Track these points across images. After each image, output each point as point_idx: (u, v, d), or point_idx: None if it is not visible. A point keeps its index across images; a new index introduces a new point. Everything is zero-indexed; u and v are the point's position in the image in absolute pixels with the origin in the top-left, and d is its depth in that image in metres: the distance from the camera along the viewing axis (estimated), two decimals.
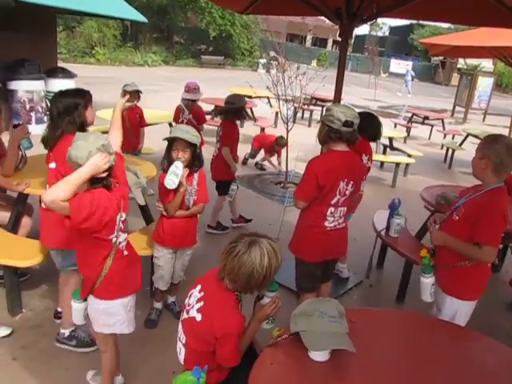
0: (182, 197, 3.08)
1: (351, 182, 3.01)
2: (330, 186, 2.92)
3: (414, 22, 35.37)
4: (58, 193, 1.97)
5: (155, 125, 7.26)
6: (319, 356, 1.86)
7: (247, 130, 10.69)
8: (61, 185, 2.01)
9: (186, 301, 2.21)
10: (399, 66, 36.21)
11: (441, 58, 33.47)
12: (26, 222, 3.72)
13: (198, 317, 2.06)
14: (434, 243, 2.77)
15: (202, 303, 2.08)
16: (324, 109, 13.71)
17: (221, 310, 2.03)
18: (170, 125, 7.52)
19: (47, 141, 2.81)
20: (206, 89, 7.00)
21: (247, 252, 1.97)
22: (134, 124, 5.57)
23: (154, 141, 6.45)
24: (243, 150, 8.28)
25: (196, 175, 3.18)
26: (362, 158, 3.77)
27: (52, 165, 2.78)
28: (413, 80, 26.53)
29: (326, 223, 3.04)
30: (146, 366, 3.04)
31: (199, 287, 2.17)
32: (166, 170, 3.05)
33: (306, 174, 2.98)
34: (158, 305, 3.51)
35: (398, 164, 8.01)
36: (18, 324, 3.28)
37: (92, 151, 2.06)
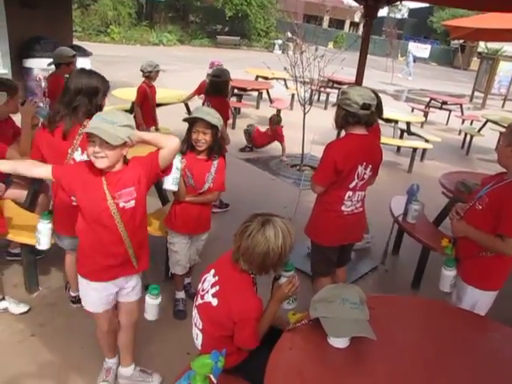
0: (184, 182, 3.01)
1: (370, 166, 2.97)
2: (348, 170, 2.88)
3: (425, 3, 34.43)
4: None
5: (170, 105, 7.23)
6: (339, 342, 1.84)
7: (263, 111, 10.63)
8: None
9: (200, 286, 2.20)
10: (418, 49, 35.48)
11: (460, 41, 32.71)
12: (42, 200, 3.74)
13: (214, 302, 2.05)
14: (455, 234, 2.70)
15: (218, 288, 2.06)
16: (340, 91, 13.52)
17: (238, 294, 2.02)
18: (187, 106, 7.50)
19: (55, 118, 2.65)
20: (209, 69, 6.92)
21: (261, 231, 1.96)
22: (154, 102, 5.68)
23: (169, 120, 6.44)
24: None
25: (215, 162, 3.08)
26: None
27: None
28: (415, 62, 25.73)
29: (343, 207, 3.00)
30: (160, 347, 3.05)
31: (213, 272, 2.15)
32: (184, 153, 3.02)
33: (324, 158, 2.93)
34: (181, 294, 3.47)
35: (415, 149, 7.88)
36: (35, 302, 3.32)
37: None
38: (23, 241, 3.22)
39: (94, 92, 2.65)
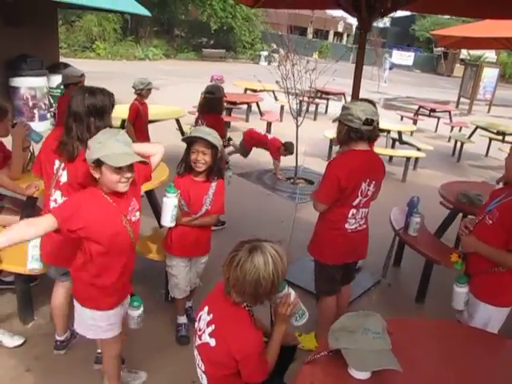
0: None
1: (373, 182, 2.91)
2: (352, 187, 2.81)
3: (415, 12, 34.90)
4: None
5: (161, 121, 7.15)
6: (361, 374, 1.75)
7: (253, 124, 10.57)
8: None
9: (196, 325, 2.08)
10: (401, 56, 35.89)
11: (443, 48, 33.17)
12: None
13: (212, 342, 1.93)
14: (465, 250, 2.64)
15: (214, 326, 1.95)
16: (328, 102, 13.58)
17: (235, 331, 1.90)
18: (178, 121, 7.42)
19: (69, 148, 2.48)
20: (209, 83, 6.87)
21: (249, 259, 1.83)
22: (147, 120, 5.61)
23: (161, 137, 6.34)
24: None
25: (214, 184, 2.98)
26: None
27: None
28: (391, 69, 25.45)
29: (347, 225, 2.93)
30: (163, 375, 2.92)
31: (207, 309, 2.04)
32: (181, 174, 2.95)
33: (327, 175, 2.86)
34: (183, 319, 3.34)
35: (408, 158, 7.86)
36: (30, 332, 3.17)
37: None
38: (16, 270, 3.08)
39: (103, 111, 2.52)
